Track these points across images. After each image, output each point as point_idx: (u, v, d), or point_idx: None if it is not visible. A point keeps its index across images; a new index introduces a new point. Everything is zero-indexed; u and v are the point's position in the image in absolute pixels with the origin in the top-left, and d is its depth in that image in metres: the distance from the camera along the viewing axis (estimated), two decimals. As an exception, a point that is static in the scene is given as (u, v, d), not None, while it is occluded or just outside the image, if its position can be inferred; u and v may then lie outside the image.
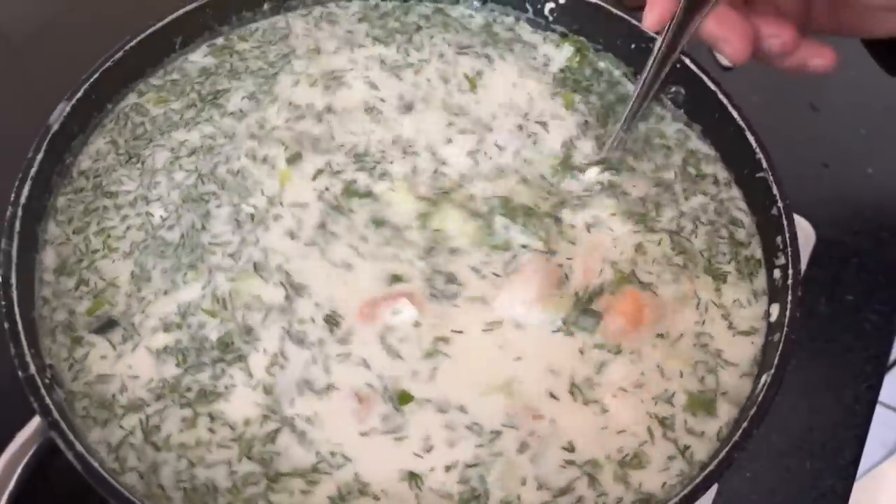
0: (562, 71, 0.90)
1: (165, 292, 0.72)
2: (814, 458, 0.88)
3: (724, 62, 1.16)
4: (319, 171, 0.79)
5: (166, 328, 0.70)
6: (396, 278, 0.72)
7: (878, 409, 1.09)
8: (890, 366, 1.09)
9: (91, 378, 0.68)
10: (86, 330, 0.70)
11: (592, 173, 0.81)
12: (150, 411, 0.66)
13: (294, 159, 0.79)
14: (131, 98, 0.85)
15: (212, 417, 0.66)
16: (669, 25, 0.77)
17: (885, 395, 1.17)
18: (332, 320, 0.70)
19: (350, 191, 0.78)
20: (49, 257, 0.74)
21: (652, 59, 0.79)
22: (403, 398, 0.66)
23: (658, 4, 0.78)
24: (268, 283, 0.72)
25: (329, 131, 0.82)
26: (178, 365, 0.68)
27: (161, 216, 0.76)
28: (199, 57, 0.89)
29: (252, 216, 0.76)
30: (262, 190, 0.78)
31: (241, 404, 0.67)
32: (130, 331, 0.70)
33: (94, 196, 0.78)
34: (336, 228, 0.76)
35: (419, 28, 0.92)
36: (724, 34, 0.75)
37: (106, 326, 0.70)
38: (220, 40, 0.90)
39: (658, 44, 0.78)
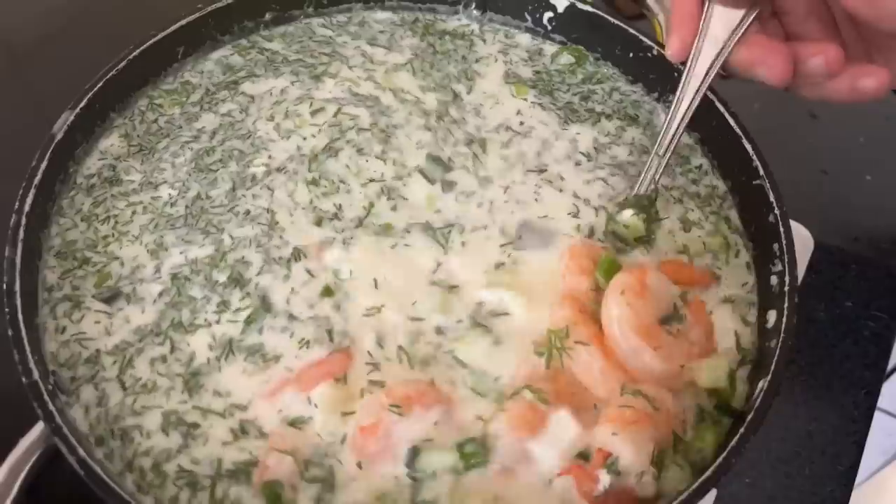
0: (537, 72, 0.92)
1: (181, 252, 0.75)
2: (813, 465, 0.88)
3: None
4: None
5: (174, 278, 0.74)
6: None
7: (879, 416, 1.08)
8: (889, 372, 1.09)
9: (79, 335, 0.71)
10: (92, 298, 0.73)
11: (626, 216, 0.78)
12: (130, 351, 0.70)
13: (316, 112, 0.85)
14: (143, 101, 0.87)
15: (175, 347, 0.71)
16: (695, 53, 0.73)
17: (885, 402, 1.17)
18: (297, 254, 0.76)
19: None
20: (56, 242, 0.76)
21: (679, 91, 0.75)
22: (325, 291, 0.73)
23: (679, 30, 0.73)
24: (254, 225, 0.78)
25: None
26: (167, 303, 0.73)
27: (169, 194, 0.79)
28: (223, 53, 0.91)
29: (254, 176, 0.80)
30: (268, 149, 0.82)
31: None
32: (134, 298, 0.73)
33: (103, 189, 0.80)
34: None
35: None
36: (760, 57, 0.70)
37: (111, 298, 0.73)
38: (243, 41, 0.93)
39: (685, 74, 0.74)
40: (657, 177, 0.78)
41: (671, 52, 0.75)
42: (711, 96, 0.82)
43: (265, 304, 0.72)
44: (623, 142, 0.86)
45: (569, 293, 0.72)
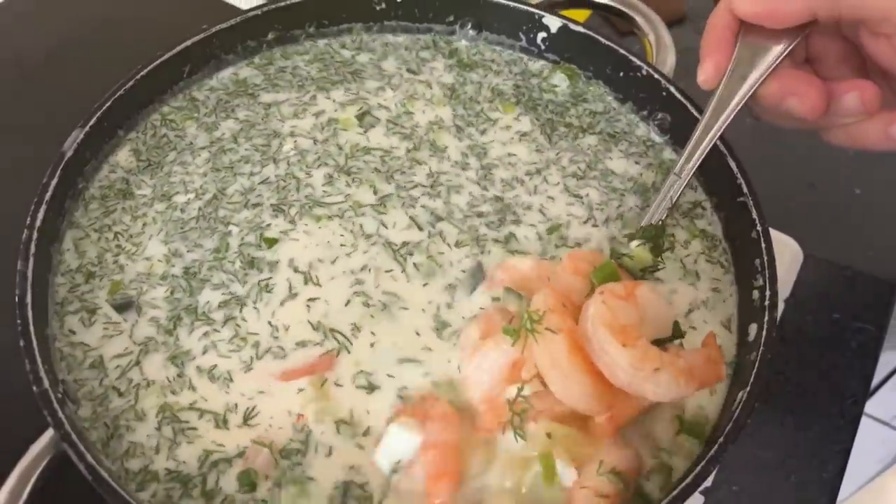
0: (517, 86, 0.95)
1: (189, 252, 0.79)
2: (799, 473, 0.90)
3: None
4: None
5: (186, 273, 0.77)
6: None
7: (873, 425, 1.10)
8: (878, 384, 1.11)
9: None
10: (107, 304, 0.76)
11: (632, 246, 0.77)
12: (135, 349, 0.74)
13: (363, 116, 0.90)
14: (155, 116, 0.91)
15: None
16: (725, 82, 0.72)
17: (878, 410, 1.19)
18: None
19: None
20: (68, 255, 0.79)
21: (705, 118, 0.74)
22: (269, 241, 0.79)
23: (714, 55, 0.72)
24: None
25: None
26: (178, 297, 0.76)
27: (187, 199, 0.83)
28: (232, 70, 0.95)
29: (282, 160, 0.86)
30: (295, 141, 0.88)
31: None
32: (146, 307, 0.76)
33: (115, 201, 0.83)
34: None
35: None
36: (793, 88, 0.68)
37: (123, 306, 0.76)
38: (256, 59, 0.97)
39: (711, 102, 0.72)
40: (674, 199, 0.78)
41: (704, 77, 0.73)
42: (697, 114, 0.84)
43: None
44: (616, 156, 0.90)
45: (558, 289, 0.71)
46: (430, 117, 0.91)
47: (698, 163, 0.77)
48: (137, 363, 0.72)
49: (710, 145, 0.76)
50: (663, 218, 0.78)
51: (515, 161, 0.88)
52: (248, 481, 0.66)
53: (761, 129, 1.17)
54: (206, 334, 0.74)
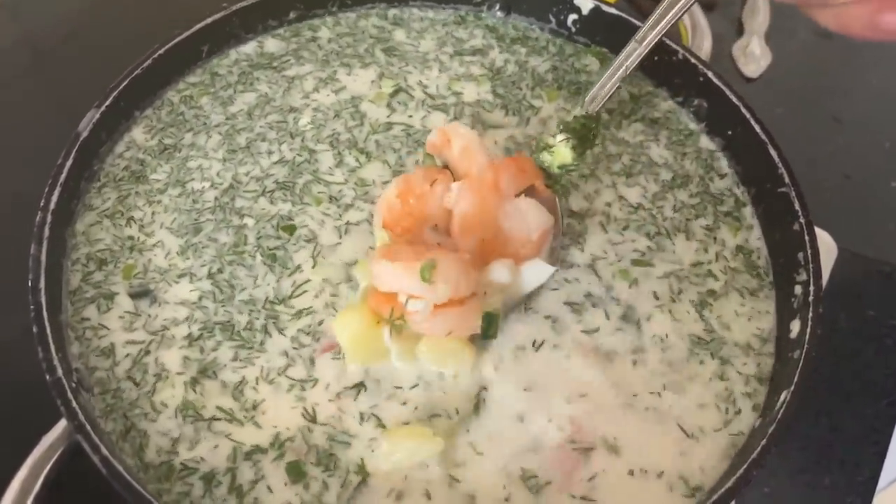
0: (555, 68, 0.91)
1: (205, 247, 0.76)
2: (833, 475, 0.87)
3: (748, 73, 1.15)
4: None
5: (210, 275, 0.74)
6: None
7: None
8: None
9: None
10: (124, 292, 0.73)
11: (556, 139, 0.75)
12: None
13: (396, 93, 0.87)
14: (172, 93, 0.88)
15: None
16: None
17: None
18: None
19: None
20: (82, 241, 0.77)
21: None
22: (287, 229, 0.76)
23: None
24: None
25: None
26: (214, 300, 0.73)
27: (199, 189, 0.80)
28: (253, 45, 0.92)
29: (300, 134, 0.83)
30: (312, 109, 0.86)
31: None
32: (162, 299, 0.73)
33: (129, 185, 0.80)
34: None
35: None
36: None
37: (140, 294, 0.73)
38: (281, 31, 0.94)
39: None
40: (630, 69, 0.73)
41: None
42: (736, 101, 0.81)
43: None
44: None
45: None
46: (473, 97, 0.88)
47: (665, 30, 0.71)
48: (148, 352, 0.70)
49: (683, 13, 0.70)
50: (604, 102, 0.74)
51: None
52: (298, 471, 0.65)
53: (793, 120, 1.14)
54: (239, 348, 0.71)
